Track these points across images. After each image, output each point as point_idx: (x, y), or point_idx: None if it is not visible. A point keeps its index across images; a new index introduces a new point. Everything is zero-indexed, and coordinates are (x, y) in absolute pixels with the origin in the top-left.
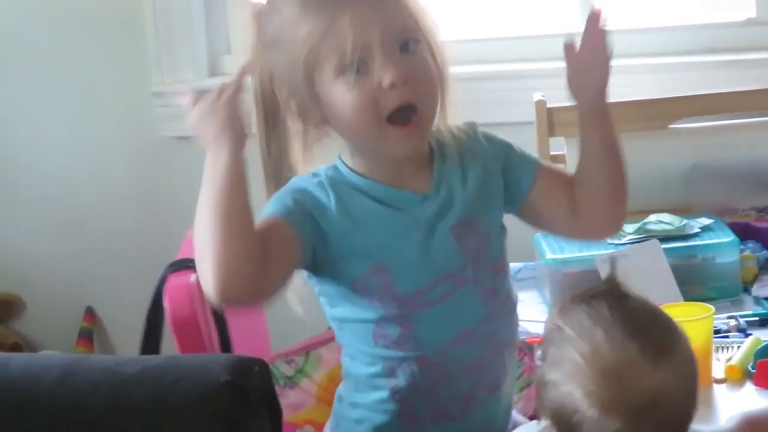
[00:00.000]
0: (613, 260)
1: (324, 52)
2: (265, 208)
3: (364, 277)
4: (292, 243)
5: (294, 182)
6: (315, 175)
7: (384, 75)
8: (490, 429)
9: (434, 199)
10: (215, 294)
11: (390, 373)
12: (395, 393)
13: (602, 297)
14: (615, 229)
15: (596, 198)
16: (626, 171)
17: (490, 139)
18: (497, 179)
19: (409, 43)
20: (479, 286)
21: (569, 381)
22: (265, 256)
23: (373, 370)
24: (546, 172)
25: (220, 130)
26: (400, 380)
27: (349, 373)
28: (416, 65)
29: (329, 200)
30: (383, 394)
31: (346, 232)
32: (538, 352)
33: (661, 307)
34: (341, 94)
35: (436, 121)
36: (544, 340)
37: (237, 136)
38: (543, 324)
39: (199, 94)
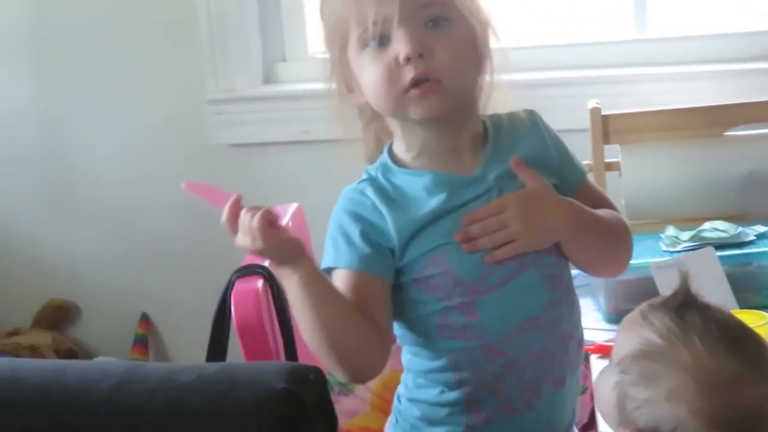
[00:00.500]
0: (684, 272)
1: (351, 25)
2: (336, 252)
3: (425, 270)
4: (384, 288)
5: (346, 205)
6: (362, 182)
7: (400, 49)
8: (555, 429)
9: (482, 181)
10: (363, 380)
11: (454, 366)
12: (460, 385)
13: (689, 307)
14: (619, 273)
15: (598, 274)
16: (619, 244)
17: (550, 129)
18: (554, 168)
19: (439, 20)
20: (542, 269)
21: (670, 398)
22: (376, 323)
23: (436, 364)
24: (588, 190)
25: (272, 257)
26: (465, 372)
27: (410, 370)
28: (441, 40)
29: (382, 216)
30: (447, 388)
31: (405, 238)
32: (617, 368)
33: None
34: (364, 67)
35: (490, 105)
36: (629, 355)
37: (288, 258)
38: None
39: (234, 213)
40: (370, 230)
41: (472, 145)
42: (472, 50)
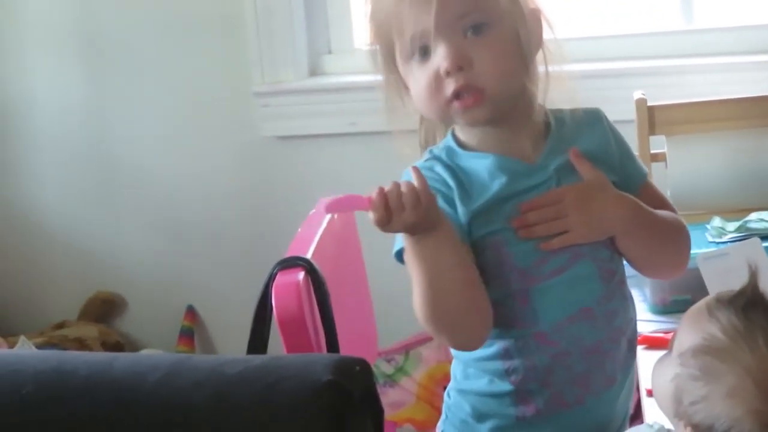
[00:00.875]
0: (753, 267)
1: (395, 36)
2: None
3: (483, 253)
4: (471, 254)
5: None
6: (428, 160)
7: (440, 62)
8: (605, 429)
9: (543, 170)
10: (458, 348)
11: (505, 354)
12: (511, 374)
13: (756, 306)
14: (675, 276)
15: (652, 274)
16: (675, 245)
17: (613, 128)
18: (614, 166)
19: (479, 27)
20: (597, 262)
21: (729, 396)
22: (483, 290)
23: (487, 352)
24: (648, 191)
25: (425, 220)
26: (516, 360)
27: (459, 359)
28: (482, 48)
29: (452, 191)
30: (497, 377)
31: (468, 218)
32: (677, 360)
33: None
34: (410, 76)
35: (549, 100)
36: (691, 349)
37: (435, 218)
38: (659, 325)
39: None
40: (448, 202)
41: (534, 136)
42: (516, 52)
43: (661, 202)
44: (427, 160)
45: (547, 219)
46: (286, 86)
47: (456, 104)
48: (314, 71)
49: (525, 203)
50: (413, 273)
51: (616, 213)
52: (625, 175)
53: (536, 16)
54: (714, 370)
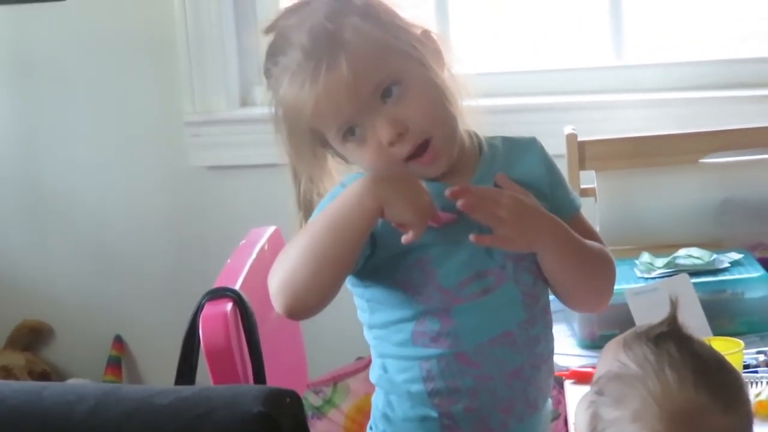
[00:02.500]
0: (674, 301)
1: (321, 124)
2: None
3: (407, 271)
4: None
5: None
6: (359, 174)
7: (381, 136)
8: None
9: None
10: (287, 310)
11: (427, 376)
12: (434, 397)
13: (668, 337)
14: (598, 309)
15: (576, 305)
16: (600, 273)
17: (548, 157)
18: (545, 194)
19: (391, 89)
20: (520, 286)
21: (634, 420)
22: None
23: (409, 375)
24: (578, 224)
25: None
26: (438, 382)
27: (381, 387)
28: (405, 108)
29: None
30: (420, 401)
31: (390, 230)
32: (594, 388)
33: None
34: (355, 152)
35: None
36: (604, 376)
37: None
38: (587, 359)
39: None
40: None
41: (466, 164)
42: (435, 90)
43: (590, 235)
44: (358, 174)
45: (481, 206)
46: (217, 116)
47: (413, 163)
48: (245, 101)
49: (467, 186)
50: (323, 223)
51: (543, 228)
52: (556, 205)
53: (426, 36)
54: (623, 396)
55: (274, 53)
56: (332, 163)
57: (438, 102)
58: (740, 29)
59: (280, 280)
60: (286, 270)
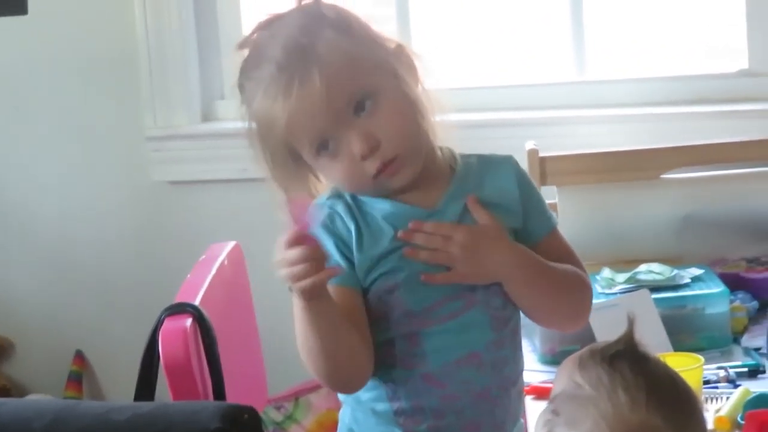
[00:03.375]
0: (631, 318)
1: (294, 138)
2: None
3: (376, 296)
4: (361, 301)
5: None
6: (331, 198)
7: (353, 150)
8: None
9: (441, 215)
10: (343, 392)
11: (393, 395)
12: (399, 416)
13: (623, 357)
14: (572, 330)
15: (548, 325)
16: (571, 297)
17: (523, 176)
18: (516, 212)
19: (364, 102)
20: (489, 310)
21: None
22: (363, 335)
23: (375, 393)
24: (553, 242)
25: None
26: (403, 401)
27: (347, 403)
28: (378, 123)
29: (350, 233)
30: (385, 420)
31: (364, 259)
32: (550, 406)
33: None
34: (327, 167)
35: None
36: (560, 396)
37: (304, 290)
38: (548, 375)
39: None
40: (342, 245)
41: (436, 181)
42: (408, 105)
43: (566, 255)
44: (329, 198)
45: (431, 245)
46: (179, 131)
47: (382, 176)
48: (207, 116)
49: (415, 221)
50: (298, 328)
51: (503, 259)
52: (530, 223)
53: (400, 50)
54: (576, 417)
55: (247, 68)
56: (310, 179)
57: (410, 116)
58: (703, 45)
59: (321, 377)
60: (315, 373)
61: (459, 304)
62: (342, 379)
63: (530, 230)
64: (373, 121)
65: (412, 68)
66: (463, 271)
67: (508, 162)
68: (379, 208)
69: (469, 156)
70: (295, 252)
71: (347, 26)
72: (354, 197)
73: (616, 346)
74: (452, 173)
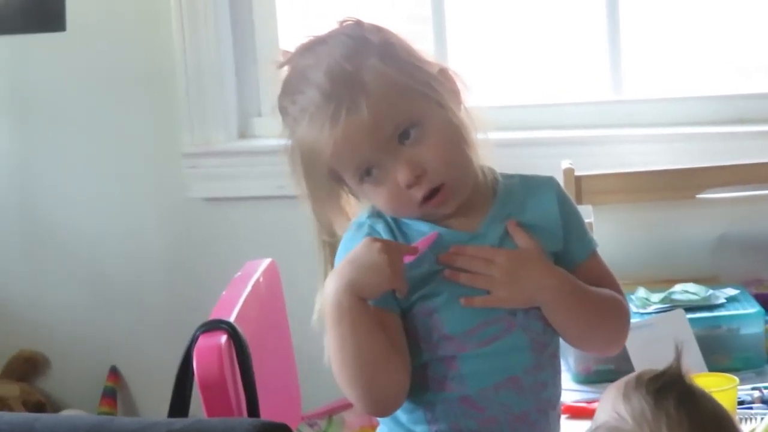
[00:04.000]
0: (679, 348)
1: (339, 165)
2: None
3: (414, 319)
4: (400, 324)
5: (358, 238)
6: (371, 217)
7: (398, 178)
8: None
9: (483, 238)
10: (383, 414)
11: (431, 418)
12: None
13: (669, 391)
14: (610, 354)
15: (584, 349)
16: (609, 323)
17: (565, 198)
18: (557, 236)
19: (409, 131)
20: (529, 334)
21: None
22: (402, 357)
23: (413, 416)
24: (593, 265)
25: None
26: (442, 424)
27: (385, 424)
28: (423, 151)
29: None
30: None
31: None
32: (592, 428)
33: None
34: (371, 193)
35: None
36: (602, 427)
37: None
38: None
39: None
40: None
41: (479, 203)
42: (454, 132)
43: (605, 278)
44: (369, 217)
45: (472, 269)
46: (215, 148)
47: (427, 205)
48: (244, 133)
49: (457, 246)
50: (335, 335)
51: (543, 283)
52: (569, 247)
53: (444, 75)
54: None
55: (290, 91)
56: (345, 199)
57: (455, 144)
58: (740, 64)
59: (355, 397)
60: (349, 387)
61: (498, 328)
62: (378, 395)
63: (570, 253)
64: (419, 150)
65: (455, 92)
66: (503, 295)
67: (550, 183)
68: (420, 230)
69: (511, 176)
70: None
71: (393, 52)
72: (395, 218)
73: (663, 378)
74: (494, 195)
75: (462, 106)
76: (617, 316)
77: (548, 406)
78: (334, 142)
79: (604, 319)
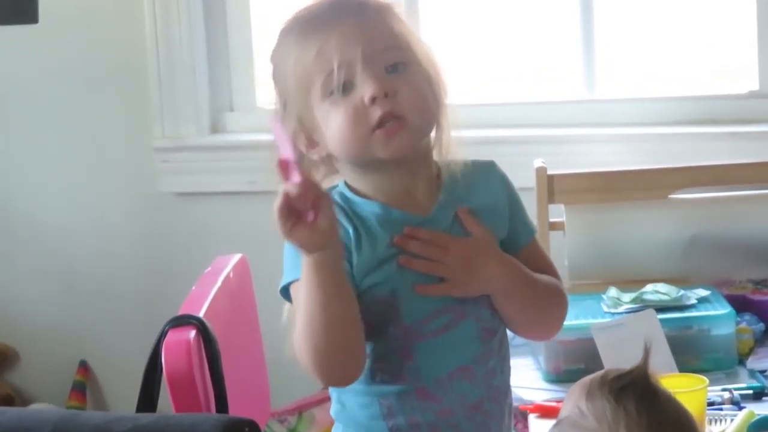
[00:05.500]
0: (647, 348)
1: (314, 75)
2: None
3: (370, 305)
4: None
5: None
6: None
7: (365, 90)
8: None
9: (435, 222)
10: (340, 383)
11: (387, 412)
12: None
13: (632, 391)
14: (547, 339)
15: (524, 334)
16: (549, 309)
17: (508, 182)
18: (504, 221)
19: (398, 66)
20: (479, 322)
21: None
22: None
23: (369, 411)
24: (534, 250)
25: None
26: (399, 418)
27: (339, 421)
28: (403, 82)
29: (348, 235)
30: None
31: (362, 261)
32: (555, 429)
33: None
34: (329, 114)
35: (443, 154)
36: (564, 421)
37: (307, 244)
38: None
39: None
40: (346, 250)
41: (427, 189)
42: (431, 93)
43: (545, 265)
44: None
45: (427, 255)
46: (187, 142)
47: (379, 132)
48: (215, 128)
49: (412, 228)
50: (300, 303)
51: (496, 272)
52: (513, 231)
53: (440, 78)
54: None
55: (296, 12)
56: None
57: (431, 99)
58: (712, 66)
59: (310, 362)
60: (308, 350)
61: (450, 317)
62: (339, 359)
63: (514, 238)
64: (398, 82)
65: (440, 77)
66: (459, 284)
67: (494, 168)
68: (371, 211)
69: (456, 163)
70: (290, 187)
71: (397, 10)
72: (345, 199)
73: (627, 378)
74: (438, 179)
75: (444, 87)
76: (559, 303)
77: (499, 395)
78: (324, 40)
79: (550, 306)
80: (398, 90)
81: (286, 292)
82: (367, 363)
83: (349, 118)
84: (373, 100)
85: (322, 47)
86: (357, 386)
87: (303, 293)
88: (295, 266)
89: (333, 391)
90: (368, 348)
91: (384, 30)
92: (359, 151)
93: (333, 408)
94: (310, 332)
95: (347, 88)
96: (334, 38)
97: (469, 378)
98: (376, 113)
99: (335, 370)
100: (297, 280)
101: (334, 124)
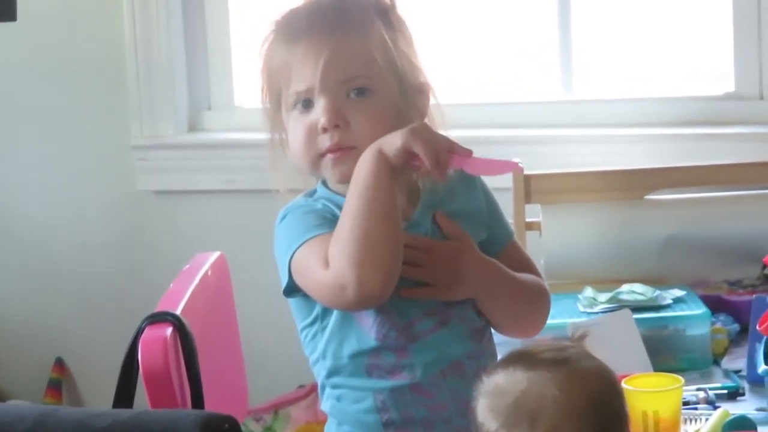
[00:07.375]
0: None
1: (282, 85)
2: (306, 227)
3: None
4: None
5: (305, 208)
6: (309, 198)
7: (319, 117)
8: None
9: (417, 228)
10: (376, 293)
11: (381, 407)
12: (388, 427)
13: (516, 358)
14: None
15: (509, 334)
16: (533, 307)
17: (484, 185)
18: (484, 224)
19: (363, 91)
20: (467, 323)
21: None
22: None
23: (363, 406)
24: (514, 251)
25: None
26: (392, 412)
27: (333, 416)
28: (360, 110)
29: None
30: (374, 430)
31: None
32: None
33: (631, 377)
34: (294, 123)
35: None
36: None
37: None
38: None
39: None
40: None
41: (408, 194)
42: (392, 120)
43: (524, 263)
44: (308, 198)
45: (411, 260)
46: (165, 141)
47: (328, 157)
48: (194, 127)
49: None
50: (368, 187)
51: (479, 275)
52: (492, 233)
53: (424, 90)
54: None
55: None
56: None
57: (388, 126)
58: (689, 67)
59: (347, 264)
60: (350, 251)
61: (436, 319)
62: (388, 264)
63: (493, 239)
64: (356, 108)
65: (424, 91)
66: (440, 289)
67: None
68: None
69: None
70: None
71: (395, 26)
72: (331, 200)
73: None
74: (419, 184)
75: (421, 105)
76: (542, 301)
77: None
78: (291, 53)
79: (533, 305)
80: (352, 119)
81: (289, 291)
82: (363, 359)
83: (303, 138)
84: (324, 129)
85: (288, 62)
86: (351, 381)
87: (367, 196)
88: (309, 228)
89: (327, 387)
90: (367, 344)
91: (355, 49)
92: (310, 169)
93: (326, 403)
94: (370, 228)
95: (308, 105)
96: (300, 53)
97: (462, 375)
98: (325, 143)
99: (380, 272)
100: (322, 233)
101: (292, 137)
